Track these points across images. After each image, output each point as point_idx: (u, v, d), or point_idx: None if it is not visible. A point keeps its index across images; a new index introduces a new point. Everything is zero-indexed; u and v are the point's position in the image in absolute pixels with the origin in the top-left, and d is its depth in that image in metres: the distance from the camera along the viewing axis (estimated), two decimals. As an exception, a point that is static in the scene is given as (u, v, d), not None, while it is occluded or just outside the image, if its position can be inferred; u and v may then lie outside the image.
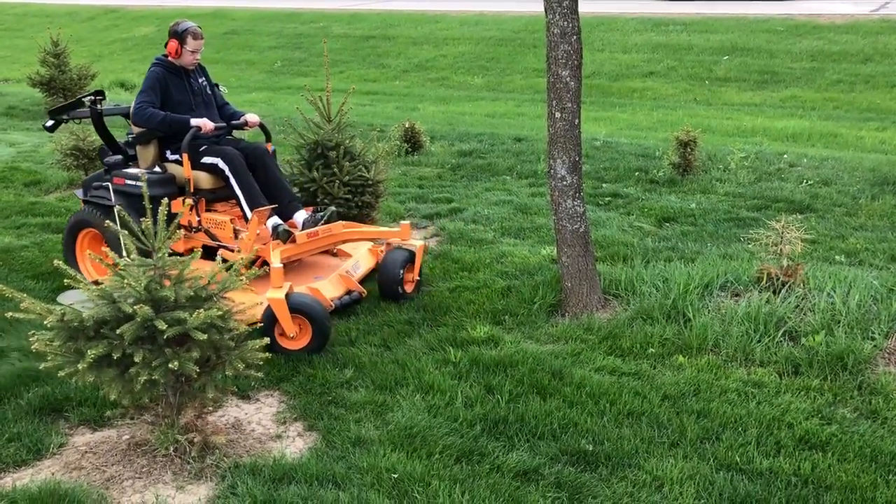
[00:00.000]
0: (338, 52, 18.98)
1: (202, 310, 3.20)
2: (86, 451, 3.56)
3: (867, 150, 10.09)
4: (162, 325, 3.13)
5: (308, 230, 4.98)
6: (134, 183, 5.10)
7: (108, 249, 4.50)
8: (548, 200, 5.57)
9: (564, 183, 4.87)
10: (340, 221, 5.21)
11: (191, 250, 4.59)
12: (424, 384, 4.04)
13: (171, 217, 4.39)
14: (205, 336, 3.19)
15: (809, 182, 7.56)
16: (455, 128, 10.95)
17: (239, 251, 4.83)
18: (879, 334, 4.27)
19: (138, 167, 5.34)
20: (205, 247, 5.14)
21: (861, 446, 3.46)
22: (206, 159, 5.12)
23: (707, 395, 3.91)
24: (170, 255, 4.34)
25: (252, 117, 5.49)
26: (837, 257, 5.61)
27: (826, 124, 12.25)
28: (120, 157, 5.36)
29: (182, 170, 5.14)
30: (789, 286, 4.74)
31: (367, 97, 15.22)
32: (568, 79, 4.73)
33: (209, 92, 5.44)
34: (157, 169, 5.27)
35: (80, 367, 3.17)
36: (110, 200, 5.17)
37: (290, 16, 22.89)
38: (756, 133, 11.67)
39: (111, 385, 3.27)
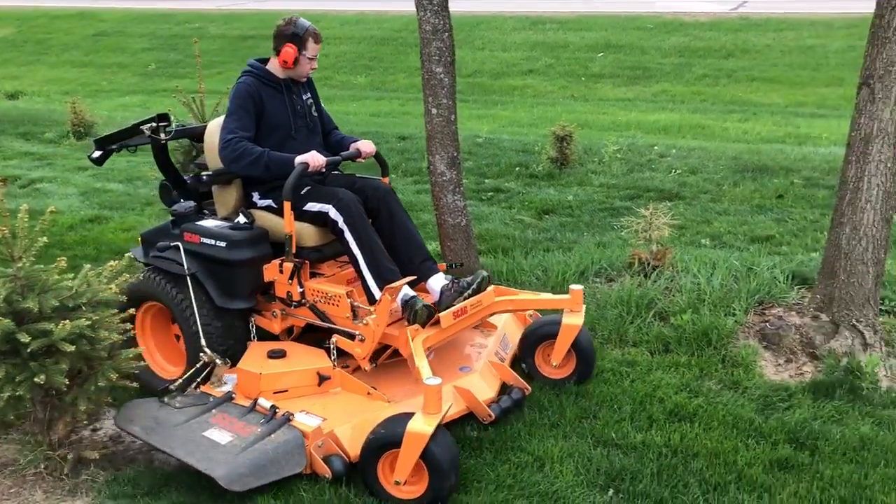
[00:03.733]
0: (215, 53, 18.48)
1: (68, 321, 3.07)
2: (-53, 477, 3.37)
3: (732, 140, 10.69)
4: (25, 338, 3.00)
5: (454, 307, 3.65)
6: (212, 242, 3.80)
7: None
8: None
9: (444, 178, 4.95)
10: (491, 287, 3.93)
11: (289, 330, 4.03)
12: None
13: (262, 286, 3.85)
14: (73, 347, 3.08)
15: (678, 171, 7.97)
16: (340, 128, 10.88)
17: (361, 338, 3.58)
18: (740, 310, 4.56)
19: (213, 215, 4.14)
20: (309, 326, 3.94)
21: (724, 415, 3.69)
22: (312, 206, 3.81)
23: (585, 377, 4.07)
24: (258, 336, 3.98)
25: (366, 146, 4.18)
26: (703, 241, 5.94)
27: (694, 117, 12.89)
28: (191, 203, 4.08)
29: (277, 221, 3.86)
30: (659, 270, 5.00)
31: (247, 99, 14.90)
32: (442, 75, 4.81)
33: (315, 113, 4.20)
34: (240, 219, 3.95)
35: (-65, 386, 3.00)
36: (181, 265, 3.83)
37: (164, 16, 22.12)
38: (630, 127, 12.15)
39: (-29, 404, 3.10)
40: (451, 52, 4.80)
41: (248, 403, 3.49)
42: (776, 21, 17.53)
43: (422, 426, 2.95)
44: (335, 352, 3.67)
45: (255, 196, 4.03)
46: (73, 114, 10.24)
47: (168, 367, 4.12)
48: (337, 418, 3.38)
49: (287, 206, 3.68)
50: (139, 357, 3.50)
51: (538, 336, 4.04)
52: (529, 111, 13.52)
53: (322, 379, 3.62)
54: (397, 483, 3.05)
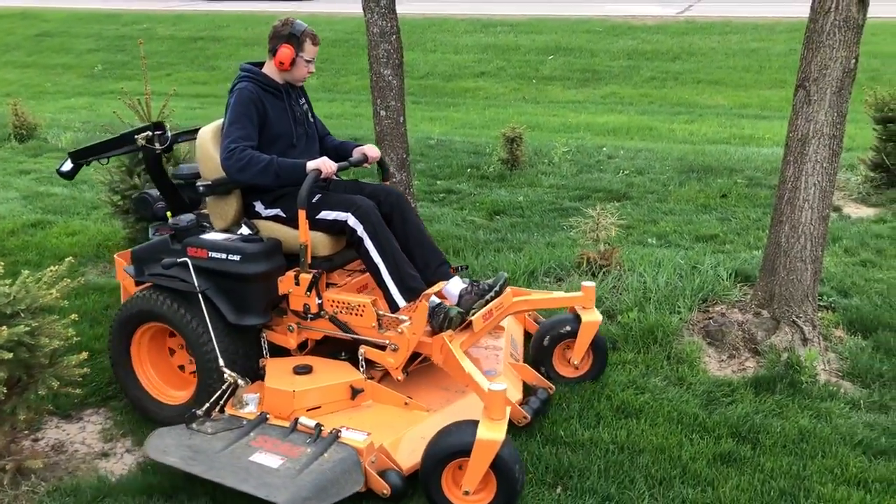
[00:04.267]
0: (164, 55, 18.19)
1: (5, 328, 3.00)
2: None
3: (678, 142, 10.89)
4: (-40, 346, 2.92)
5: (482, 310, 3.57)
6: (223, 256, 3.60)
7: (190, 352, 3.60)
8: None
9: (394, 180, 4.96)
10: (509, 288, 3.89)
11: (304, 344, 3.83)
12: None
13: (275, 299, 3.65)
14: (10, 355, 3.01)
15: (625, 172, 8.09)
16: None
17: (394, 347, 3.45)
18: (684, 308, 4.65)
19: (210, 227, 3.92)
20: (326, 339, 3.77)
21: (669, 411, 3.77)
22: (327, 214, 3.68)
23: (534, 376, 4.11)
24: (272, 354, 3.72)
25: (373, 150, 4.03)
26: (650, 240, 6.05)
27: (642, 118, 13.10)
28: (191, 216, 3.90)
29: (286, 231, 3.74)
30: (606, 269, 5.07)
31: (196, 100, 14.71)
32: (390, 77, 4.82)
33: (311, 119, 4.08)
34: (243, 231, 3.79)
35: None
36: (190, 282, 3.61)
37: (110, 17, 21.68)
38: (580, 128, 12.30)
39: None
40: (399, 55, 4.81)
41: (286, 423, 3.36)
42: (721, 24, 17.91)
43: (493, 433, 2.94)
44: (363, 363, 3.56)
45: (259, 206, 3.85)
46: (15, 116, 9.98)
47: (168, 392, 3.86)
48: (381, 432, 3.28)
49: (302, 214, 3.55)
50: (82, 363, 3.43)
51: (556, 336, 4.05)
52: (481, 113, 13.59)
53: (355, 392, 3.49)
54: (466, 493, 3.03)
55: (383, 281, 3.60)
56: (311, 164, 3.64)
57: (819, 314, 4.47)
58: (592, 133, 11.92)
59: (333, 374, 3.56)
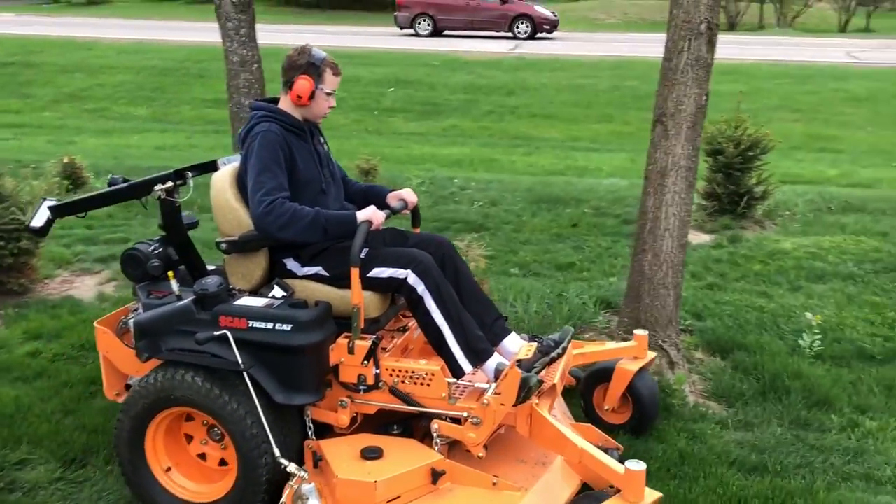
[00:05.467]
0: (-33, 81, 16.62)
1: None
2: None
3: (520, 173, 11.24)
4: None
5: (559, 370, 3.28)
6: (269, 325, 3.06)
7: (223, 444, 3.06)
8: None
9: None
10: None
11: (353, 420, 3.26)
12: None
13: (319, 371, 3.12)
14: None
15: (480, 203, 8.21)
16: (122, 161, 10.11)
17: (475, 421, 3.04)
18: (557, 337, 4.72)
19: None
20: (380, 413, 3.28)
21: (556, 442, 3.76)
22: (381, 272, 3.22)
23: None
24: (317, 434, 3.17)
25: (411, 195, 3.63)
26: (513, 269, 6.13)
27: (484, 150, 13.44)
28: (218, 278, 3.27)
29: (328, 292, 3.25)
30: (477, 301, 5.06)
31: (10, 130, 13.50)
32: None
33: (333, 161, 3.59)
34: (276, 292, 3.24)
35: None
36: (232, 359, 3.03)
37: None
38: (426, 160, 12.42)
39: None
40: (260, 84, 4.62)
41: None
42: (550, 62, 18.87)
43: None
44: (438, 440, 3.14)
45: (291, 264, 3.34)
46: None
47: (188, 486, 3.27)
48: None
49: (355, 273, 3.08)
50: None
51: (595, 378, 3.89)
52: (325, 145, 13.40)
53: (436, 475, 3.02)
54: None
55: (446, 345, 3.19)
56: (361, 216, 3.22)
57: (681, 338, 4.68)
58: (439, 165, 12.05)
59: (409, 457, 3.07)
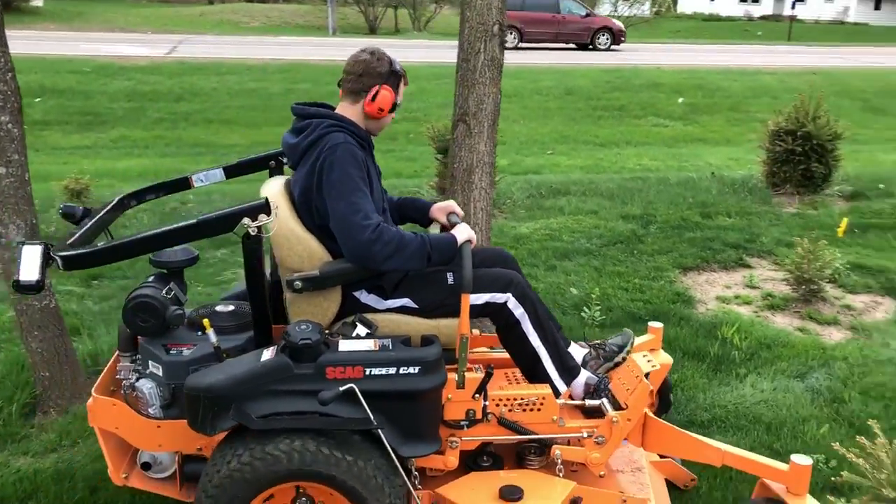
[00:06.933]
0: None
1: None
2: None
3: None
4: None
5: (646, 378, 3.05)
6: (391, 371, 2.60)
7: None
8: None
9: (19, 253, 3.89)
10: None
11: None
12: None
13: (439, 414, 2.78)
14: None
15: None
16: None
17: (599, 440, 2.94)
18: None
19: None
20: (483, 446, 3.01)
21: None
22: (478, 297, 2.89)
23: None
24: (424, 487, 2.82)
25: (458, 207, 3.27)
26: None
27: (166, 161, 12.53)
28: (312, 322, 2.70)
29: (418, 324, 2.92)
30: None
31: None
32: (9, 125, 3.80)
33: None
34: (360, 331, 2.80)
35: None
36: (363, 416, 2.55)
37: None
38: (101, 175, 11.21)
39: None
40: (17, 97, 3.83)
41: None
42: (215, 65, 18.12)
43: None
44: (562, 466, 2.97)
45: (368, 297, 2.94)
46: None
47: None
48: None
49: (466, 299, 2.71)
50: None
51: None
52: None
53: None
54: None
55: (543, 368, 3.02)
56: (460, 236, 2.90)
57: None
58: (118, 179, 10.97)
59: (547, 491, 2.87)
